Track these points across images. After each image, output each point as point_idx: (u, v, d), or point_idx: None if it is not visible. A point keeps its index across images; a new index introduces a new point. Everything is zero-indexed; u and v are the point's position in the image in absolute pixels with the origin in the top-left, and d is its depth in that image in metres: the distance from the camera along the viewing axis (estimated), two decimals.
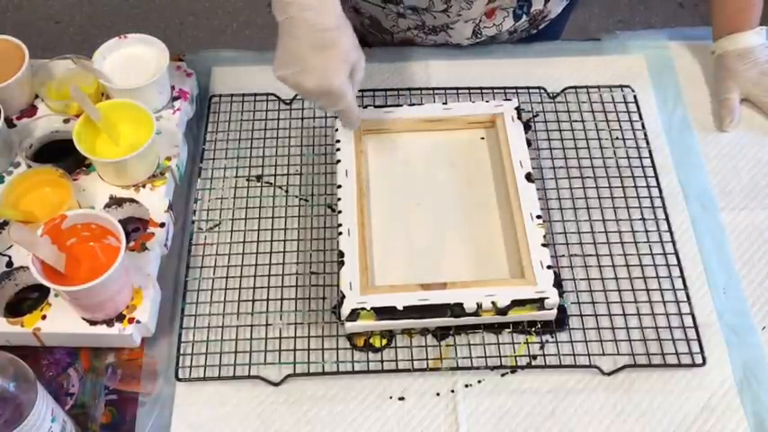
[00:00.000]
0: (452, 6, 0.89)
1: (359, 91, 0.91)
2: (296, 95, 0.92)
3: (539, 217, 0.77)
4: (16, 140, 0.83)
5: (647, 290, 0.78)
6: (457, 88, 0.92)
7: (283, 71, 0.72)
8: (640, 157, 0.87)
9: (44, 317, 0.72)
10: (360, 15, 0.98)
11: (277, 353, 0.74)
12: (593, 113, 0.91)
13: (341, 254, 0.75)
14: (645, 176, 0.86)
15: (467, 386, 0.73)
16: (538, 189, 0.80)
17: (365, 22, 0.99)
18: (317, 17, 0.69)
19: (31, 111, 0.87)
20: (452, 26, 0.93)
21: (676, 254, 0.80)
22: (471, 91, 0.92)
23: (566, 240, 0.81)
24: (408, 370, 0.73)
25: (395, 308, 0.72)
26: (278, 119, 0.91)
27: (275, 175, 0.86)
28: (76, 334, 0.72)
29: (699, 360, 0.74)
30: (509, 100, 0.87)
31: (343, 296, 0.73)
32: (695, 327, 0.76)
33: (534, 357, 0.74)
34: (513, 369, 0.74)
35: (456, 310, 0.72)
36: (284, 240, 0.81)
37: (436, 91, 0.92)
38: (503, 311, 0.73)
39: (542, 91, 0.92)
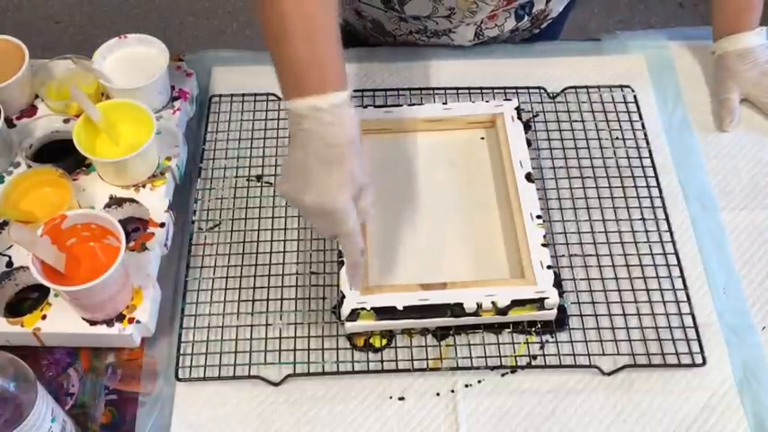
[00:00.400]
0: (456, 14, 0.89)
1: (359, 91, 0.92)
2: None
3: (539, 217, 0.77)
4: (16, 140, 0.83)
5: (647, 290, 0.78)
6: (457, 88, 0.92)
7: (285, 185, 0.66)
8: (640, 157, 0.87)
9: (44, 317, 0.72)
10: (362, 18, 0.98)
11: (277, 353, 0.74)
12: (593, 113, 0.91)
13: (341, 254, 0.75)
14: (645, 176, 0.86)
15: (467, 386, 0.73)
16: (538, 189, 0.80)
17: (368, 26, 0.99)
18: (330, 131, 0.64)
19: (31, 111, 0.87)
20: (455, 30, 0.93)
21: (676, 254, 0.80)
22: (471, 91, 0.92)
23: (566, 240, 0.81)
24: (408, 370, 0.73)
25: (395, 308, 0.72)
26: (278, 119, 0.91)
27: (275, 176, 0.86)
28: (76, 334, 0.72)
29: (699, 360, 0.74)
30: (509, 100, 0.87)
31: (343, 296, 0.73)
32: (695, 327, 0.76)
33: (534, 357, 0.74)
34: (513, 369, 0.74)
35: (456, 310, 0.72)
36: (284, 240, 0.81)
37: (436, 91, 0.92)
38: (503, 311, 0.73)
39: (542, 91, 0.92)
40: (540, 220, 0.77)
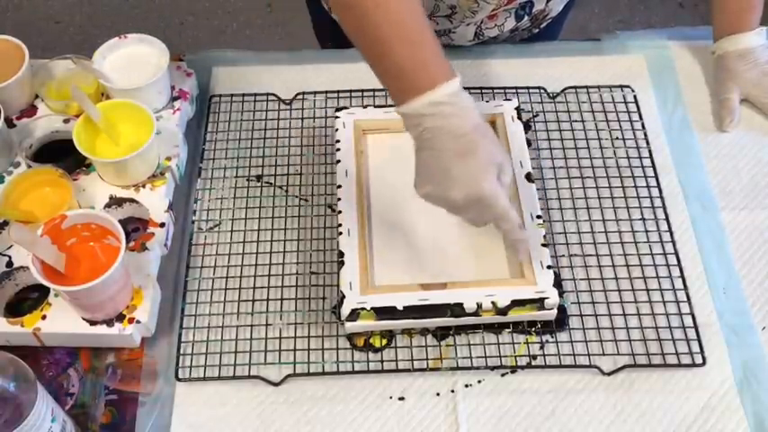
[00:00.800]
0: (457, 13, 0.89)
1: (359, 91, 0.92)
2: (296, 95, 0.92)
3: (539, 217, 0.77)
4: (16, 140, 0.83)
5: (647, 290, 0.78)
6: None
7: (427, 188, 0.67)
8: (640, 157, 0.87)
9: (44, 317, 0.72)
10: None
11: (277, 353, 0.74)
12: (593, 113, 0.91)
13: (341, 254, 0.75)
14: (645, 176, 0.86)
15: (467, 386, 0.73)
16: (538, 189, 0.80)
17: None
18: (453, 123, 0.65)
19: (31, 111, 0.87)
20: (455, 30, 0.93)
21: (676, 254, 0.80)
22: (471, 91, 0.91)
23: (566, 240, 0.81)
24: (408, 370, 0.73)
25: (395, 308, 0.72)
26: (278, 119, 0.91)
27: (275, 175, 0.86)
28: (76, 334, 0.72)
29: (699, 360, 0.74)
30: (509, 100, 0.87)
31: (343, 296, 0.73)
32: (695, 327, 0.76)
33: (534, 357, 0.74)
34: (513, 369, 0.74)
35: (456, 310, 0.72)
36: (284, 240, 0.81)
37: None
38: (503, 311, 0.73)
39: (542, 91, 0.92)
40: (540, 220, 0.77)
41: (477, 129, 0.66)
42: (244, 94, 0.93)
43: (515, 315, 0.73)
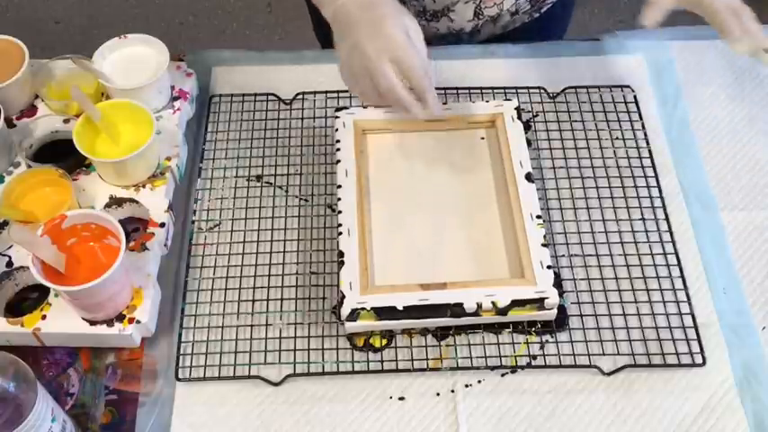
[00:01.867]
0: None
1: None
2: (296, 95, 0.92)
3: (539, 217, 0.77)
4: (16, 140, 0.83)
5: (647, 290, 0.78)
6: (457, 88, 0.92)
7: (342, 54, 0.74)
8: (640, 157, 0.87)
9: (44, 317, 0.72)
10: None
11: (277, 353, 0.74)
12: (593, 113, 0.91)
13: (341, 254, 0.75)
14: (645, 176, 0.86)
15: (467, 386, 0.73)
16: (538, 189, 0.80)
17: None
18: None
19: (31, 111, 0.87)
20: (453, 8, 0.92)
21: (676, 254, 0.80)
22: (471, 91, 0.92)
23: (566, 240, 0.81)
24: (408, 370, 0.73)
25: (395, 308, 0.72)
26: (278, 119, 0.91)
27: (275, 175, 0.86)
28: (76, 334, 0.72)
29: (699, 360, 0.74)
30: (509, 100, 0.87)
31: (343, 296, 0.72)
32: (695, 327, 0.76)
33: (534, 357, 0.74)
34: (513, 369, 0.74)
35: (456, 310, 0.72)
36: (284, 240, 0.81)
37: (436, 91, 0.92)
38: (503, 311, 0.73)
39: (542, 91, 0.92)
40: (540, 220, 0.77)
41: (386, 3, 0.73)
42: (244, 94, 0.93)
43: (515, 315, 0.73)
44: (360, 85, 0.75)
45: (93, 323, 0.72)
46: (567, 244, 0.81)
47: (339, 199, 0.79)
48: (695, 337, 0.75)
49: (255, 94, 0.92)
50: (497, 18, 0.96)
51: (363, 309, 0.72)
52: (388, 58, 0.72)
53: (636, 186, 0.85)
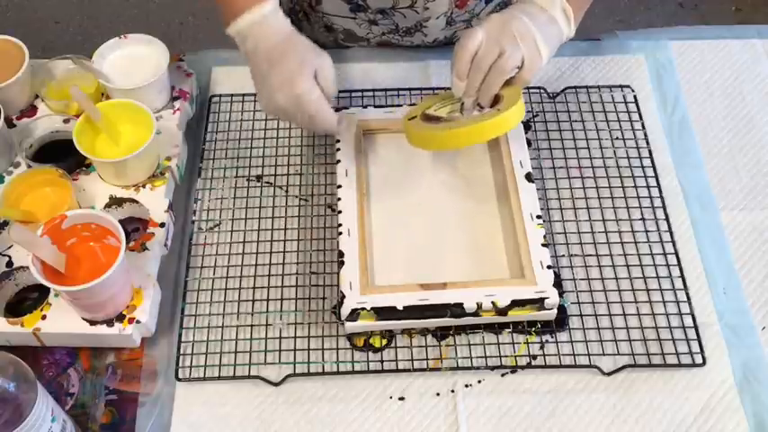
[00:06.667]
0: (417, 1, 0.88)
1: (359, 91, 0.92)
2: None
3: (539, 217, 0.77)
4: (16, 140, 0.83)
5: (647, 290, 0.78)
6: None
7: (262, 102, 0.76)
8: (640, 157, 0.87)
9: (44, 317, 0.72)
10: (333, 32, 0.98)
11: (277, 353, 0.74)
12: (593, 113, 0.91)
13: (341, 254, 0.75)
14: (645, 176, 0.86)
15: (467, 386, 0.73)
16: (538, 189, 0.80)
17: (339, 37, 0.98)
18: (269, 38, 0.73)
19: (31, 111, 0.87)
20: (425, 24, 0.92)
21: (676, 254, 0.80)
22: None
23: (566, 240, 0.81)
24: (408, 370, 0.73)
25: (395, 308, 0.72)
26: (278, 119, 0.91)
27: (275, 175, 0.86)
28: (76, 334, 0.72)
29: (699, 360, 0.74)
30: None
31: (343, 296, 0.72)
32: (695, 327, 0.76)
33: (534, 357, 0.74)
34: (513, 369, 0.74)
35: (456, 310, 0.72)
36: (284, 240, 0.81)
37: (436, 91, 0.92)
38: (503, 311, 0.73)
39: (542, 91, 0.92)
40: (540, 220, 0.77)
41: (289, 39, 0.74)
42: (244, 95, 0.93)
43: (515, 315, 0.73)
44: (286, 119, 0.78)
45: (93, 323, 0.72)
46: (567, 244, 0.81)
47: (339, 199, 0.79)
48: (695, 337, 0.75)
49: (255, 94, 0.92)
50: (470, 21, 0.95)
51: (363, 309, 0.72)
52: (304, 114, 0.73)
53: (636, 186, 0.85)
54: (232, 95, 0.93)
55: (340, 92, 0.92)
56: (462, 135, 0.74)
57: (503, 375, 0.74)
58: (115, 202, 0.80)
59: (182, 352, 0.74)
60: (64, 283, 0.67)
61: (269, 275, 0.79)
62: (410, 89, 0.92)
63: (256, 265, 0.80)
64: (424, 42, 0.96)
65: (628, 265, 0.79)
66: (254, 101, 0.92)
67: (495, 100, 0.76)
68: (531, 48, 0.75)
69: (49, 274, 0.67)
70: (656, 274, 0.79)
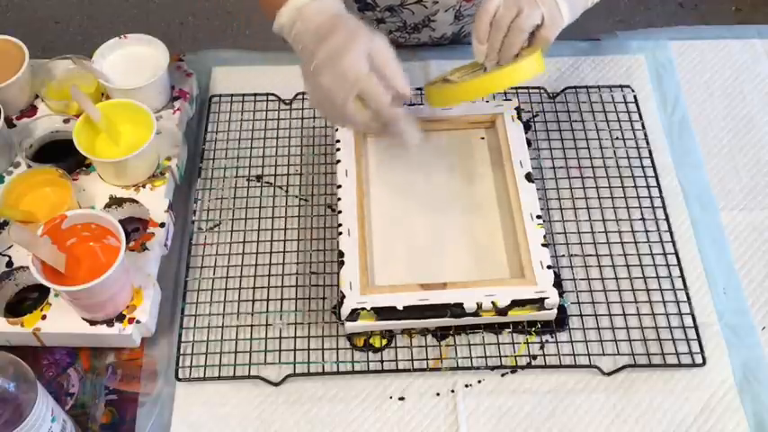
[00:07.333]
0: None
1: None
2: (296, 95, 0.92)
3: (539, 217, 0.77)
4: (16, 140, 0.83)
5: (647, 290, 0.78)
6: None
7: (307, 91, 0.71)
8: (640, 157, 0.87)
9: (44, 317, 0.72)
10: None
11: (277, 353, 0.74)
12: (593, 113, 0.91)
13: (341, 254, 0.75)
14: (645, 176, 0.86)
15: (467, 386, 0.73)
16: (538, 189, 0.80)
17: None
18: (315, 20, 0.69)
19: (31, 111, 0.87)
20: (434, 18, 0.92)
21: (676, 254, 0.80)
22: None
23: (566, 240, 0.81)
24: (408, 370, 0.73)
25: (395, 308, 0.72)
26: (278, 119, 0.91)
27: (275, 175, 0.86)
28: (76, 334, 0.72)
29: (699, 360, 0.74)
30: (509, 100, 0.87)
31: (343, 296, 0.72)
32: (695, 327, 0.76)
33: (534, 357, 0.74)
34: (513, 369, 0.74)
35: (456, 310, 0.72)
36: (284, 240, 0.81)
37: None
38: (503, 311, 0.73)
39: (542, 91, 0.92)
40: (540, 220, 0.77)
41: (339, 16, 0.68)
42: (244, 95, 0.93)
43: (515, 315, 0.73)
44: (329, 116, 0.73)
45: (93, 323, 0.72)
46: (567, 244, 0.81)
47: (339, 199, 0.79)
48: (695, 337, 0.75)
49: (255, 94, 0.93)
50: None
51: (363, 309, 0.72)
52: (352, 96, 0.67)
53: (636, 186, 0.85)
54: (232, 95, 0.93)
55: None
56: (481, 84, 0.73)
57: (503, 375, 0.74)
58: (115, 202, 0.80)
59: (182, 352, 0.74)
60: (64, 283, 0.67)
61: (269, 275, 0.79)
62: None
63: (256, 265, 0.80)
64: (432, 38, 0.95)
65: (628, 265, 0.79)
66: (255, 101, 0.92)
67: None
68: (550, 6, 0.73)
69: (48, 274, 0.67)
70: (656, 274, 0.79)
